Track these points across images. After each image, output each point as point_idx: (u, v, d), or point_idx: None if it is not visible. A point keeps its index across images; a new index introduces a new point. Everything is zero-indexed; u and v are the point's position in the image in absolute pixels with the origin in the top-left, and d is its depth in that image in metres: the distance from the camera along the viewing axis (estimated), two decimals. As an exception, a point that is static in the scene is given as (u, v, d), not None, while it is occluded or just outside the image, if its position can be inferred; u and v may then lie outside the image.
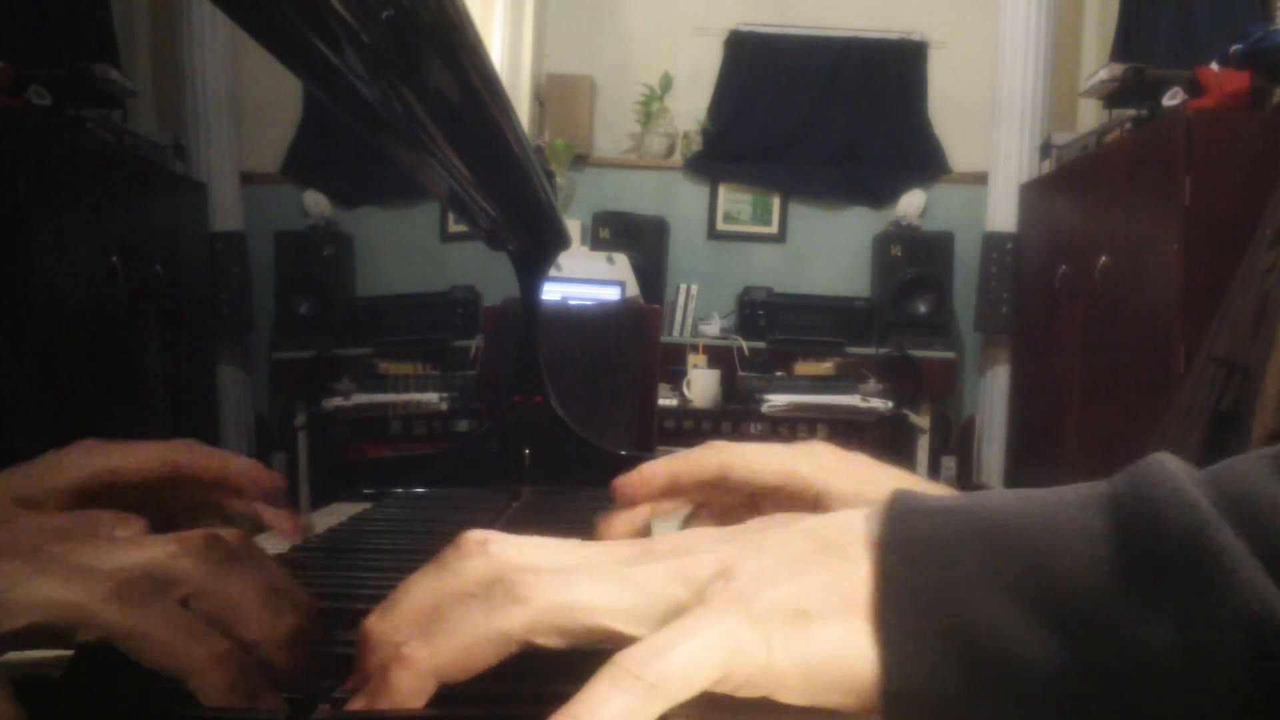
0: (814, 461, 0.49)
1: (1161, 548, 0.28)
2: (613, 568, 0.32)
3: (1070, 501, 0.30)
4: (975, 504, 0.31)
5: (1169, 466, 0.30)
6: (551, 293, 1.91)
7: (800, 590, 0.30)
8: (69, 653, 0.34)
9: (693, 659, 0.27)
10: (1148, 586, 0.28)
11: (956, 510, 0.31)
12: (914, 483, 0.52)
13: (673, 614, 0.30)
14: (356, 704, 0.31)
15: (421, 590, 0.32)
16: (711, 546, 0.33)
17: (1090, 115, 3.52)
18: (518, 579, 0.30)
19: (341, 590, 0.56)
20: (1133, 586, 0.28)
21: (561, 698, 0.27)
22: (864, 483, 0.49)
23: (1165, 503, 0.28)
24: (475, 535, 0.33)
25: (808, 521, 0.34)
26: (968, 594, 0.29)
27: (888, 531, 0.31)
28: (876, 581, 0.30)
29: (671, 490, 0.55)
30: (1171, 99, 2.61)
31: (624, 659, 0.27)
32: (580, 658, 0.30)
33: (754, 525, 0.35)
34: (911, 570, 0.30)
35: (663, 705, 0.27)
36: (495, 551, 0.32)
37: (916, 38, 3.84)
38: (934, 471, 3.62)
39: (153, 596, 0.31)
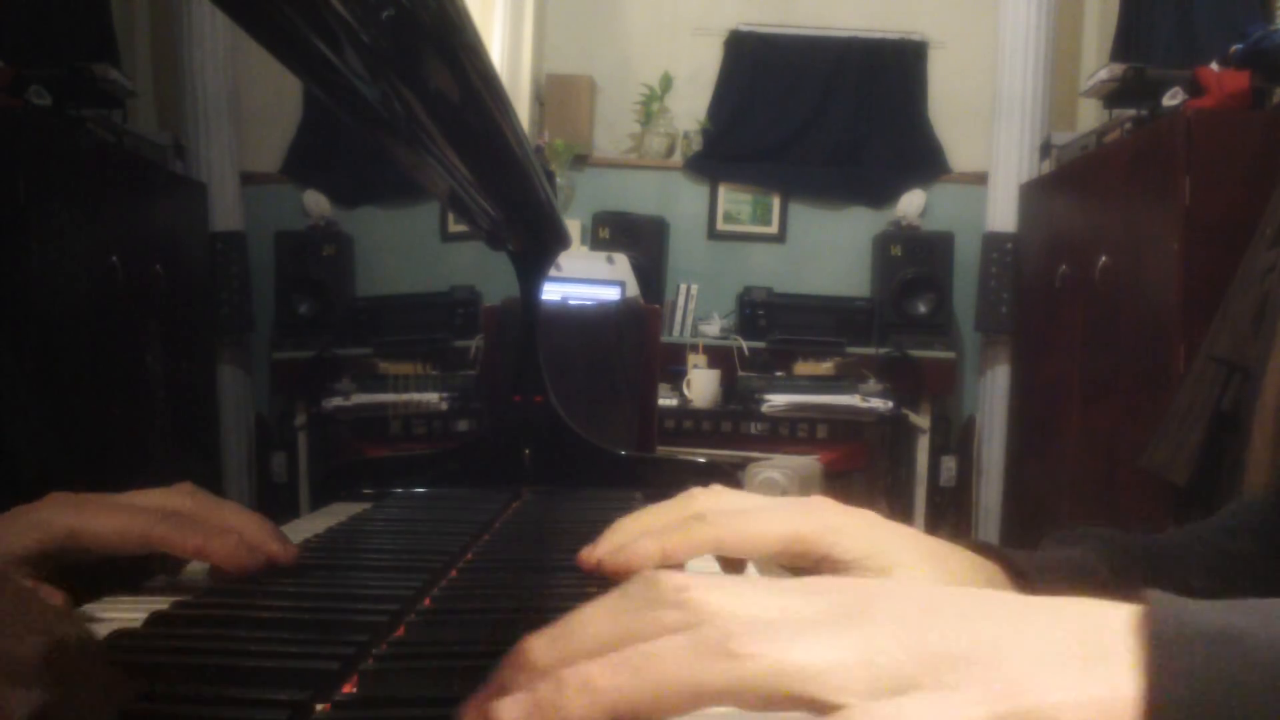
0: (819, 520, 0.46)
1: None
2: (837, 629, 0.27)
3: None
4: (1256, 629, 0.26)
5: None
6: (551, 293, 1.91)
7: (1062, 701, 0.25)
8: None
9: None
10: None
11: (1239, 638, 0.26)
12: (917, 542, 0.49)
13: (896, 688, 0.26)
14: (509, 709, 0.27)
15: (604, 628, 0.29)
16: (953, 611, 0.28)
17: (1090, 115, 3.51)
18: (736, 629, 0.27)
19: (342, 591, 0.56)
20: None
21: None
22: (874, 544, 0.46)
23: None
24: (674, 579, 0.29)
25: (1064, 608, 0.28)
26: None
27: (1160, 653, 0.26)
28: (1150, 713, 0.25)
29: (664, 565, 0.52)
30: (1171, 99, 2.61)
31: None
32: None
33: (980, 594, 0.29)
34: (1191, 706, 0.25)
35: None
36: (695, 601, 0.28)
37: (916, 38, 3.84)
38: (934, 471, 3.62)
39: None
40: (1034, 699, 0.25)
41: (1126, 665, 0.26)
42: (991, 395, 3.56)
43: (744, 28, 3.86)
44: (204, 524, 0.51)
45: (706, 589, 0.29)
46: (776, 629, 0.27)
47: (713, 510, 0.47)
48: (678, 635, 0.27)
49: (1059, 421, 3.07)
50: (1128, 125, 2.85)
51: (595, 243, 3.61)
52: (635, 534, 0.46)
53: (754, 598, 0.29)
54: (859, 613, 0.28)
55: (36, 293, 2.35)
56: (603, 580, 0.48)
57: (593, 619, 0.29)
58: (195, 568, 0.60)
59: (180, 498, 0.53)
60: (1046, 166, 3.40)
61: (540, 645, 0.29)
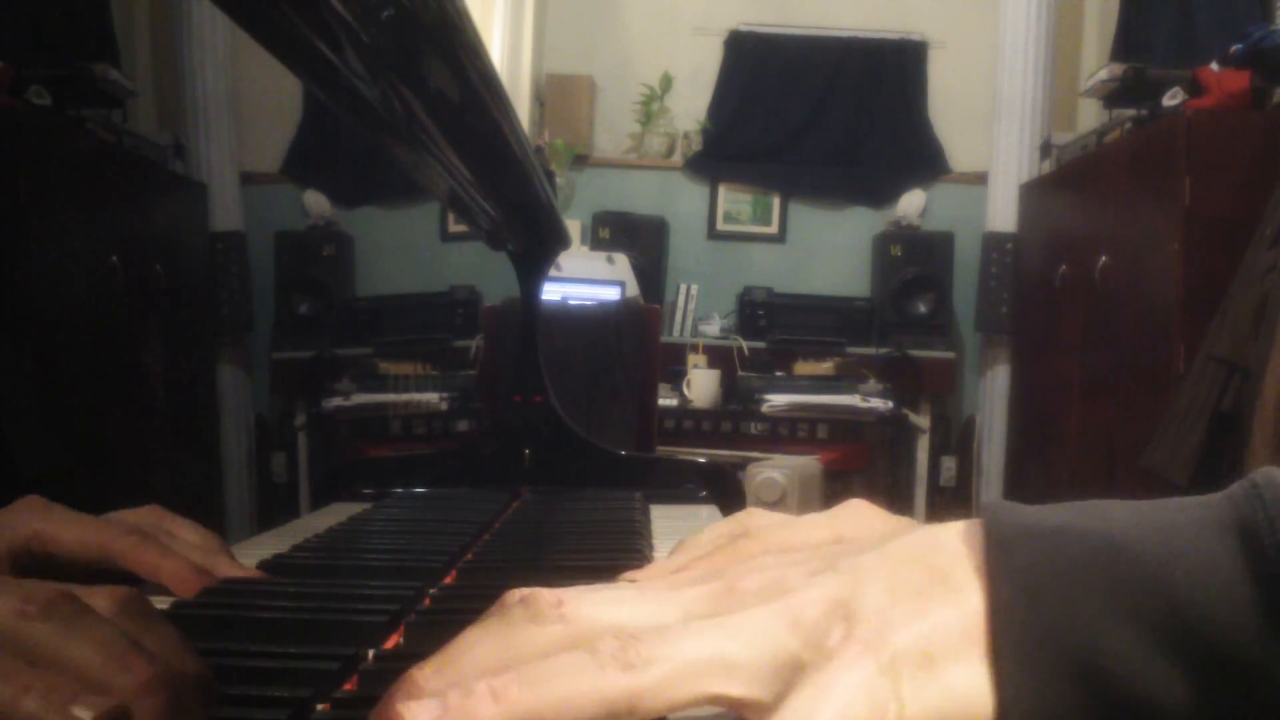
0: (857, 522, 0.47)
1: None
2: (714, 622, 0.28)
3: (1190, 522, 0.28)
4: (1085, 523, 0.28)
5: None
6: (551, 293, 1.91)
7: (924, 631, 0.27)
8: None
9: None
10: None
11: (1067, 531, 0.28)
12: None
13: (785, 668, 0.27)
14: (418, 712, 0.27)
15: (490, 650, 0.29)
16: (808, 581, 0.29)
17: (1090, 115, 3.51)
18: (628, 639, 0.27)
19: (342, 591, 0.56)
20: (1276, 625, 0.25)
21: None
22: None
23: None
24: (548, 596, 0.30)
25: (902, 546, 0.30)
26: (1091, 628, 0.26)
27: (995, 558, 0.28)
28: (990, 616, 0.27)
29: None
30: (1171, 99, 2.61)
31: None
32: None
33: (835, 551, 0.31)
34: (1027, 603, 0.27)
35: None
36: (573, 614, 0.29)
37: (916, 38, 3.84)
38: (934, 471, 3.62)
39: None
40: (903, 638, 0.27)
41: (971, 576, 0.28)
42: (991, 395, 3.56)
43: (744, 28, 3.86)
44: (161, 545, 0.51)
45: (581, 602, 0.29)
46: (663, 634, 0.28)
47: (755, 526, 0.48)
48: (575, 651, 0.27)
49: (1059, 421, 3.07)
50: (1128, 125, 2.85)
51: (595, 243, 3.61)
52: (688, 558, 0.47)
53: (625, 605, 0.30)
54: (725, 600, 0.30)
55: (36, 293, 2.35)
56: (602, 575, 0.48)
57: (477, 642, 0.29)
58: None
59: (143, 517, 0.53)
60: (1046, 166, 3.40)
61: (428, 673, 0.28)
